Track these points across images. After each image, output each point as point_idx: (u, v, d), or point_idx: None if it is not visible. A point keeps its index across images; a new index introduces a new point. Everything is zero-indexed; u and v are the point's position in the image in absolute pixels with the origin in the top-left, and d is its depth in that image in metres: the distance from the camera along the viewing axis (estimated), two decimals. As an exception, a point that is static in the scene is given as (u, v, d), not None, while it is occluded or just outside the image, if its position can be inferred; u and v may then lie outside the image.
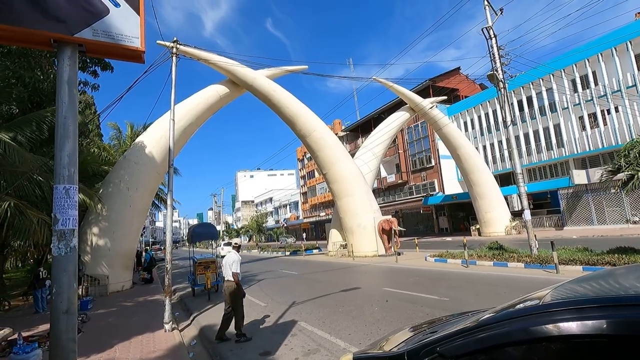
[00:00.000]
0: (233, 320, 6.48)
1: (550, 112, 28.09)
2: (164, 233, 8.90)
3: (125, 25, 2.79)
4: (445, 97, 31.01)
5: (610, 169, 9.24)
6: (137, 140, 16.80)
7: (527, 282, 8.79)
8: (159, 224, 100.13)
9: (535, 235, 12.16)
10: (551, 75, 27.00)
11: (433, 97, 30.76)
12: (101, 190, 15.14)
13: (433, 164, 37.00)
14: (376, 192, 39.83)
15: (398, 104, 32.55)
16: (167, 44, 10.21)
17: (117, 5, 2.80)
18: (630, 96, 23.17)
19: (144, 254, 20.54)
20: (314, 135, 19.99)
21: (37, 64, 10.19)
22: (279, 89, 19.86)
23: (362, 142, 31.47)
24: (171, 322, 7.46)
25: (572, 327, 1.33)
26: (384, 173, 42.88)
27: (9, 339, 6.86)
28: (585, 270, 9.38)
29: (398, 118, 26.76)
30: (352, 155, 25.77)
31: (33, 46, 2.76)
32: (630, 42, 23.24)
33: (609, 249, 10.45)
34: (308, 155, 56.22)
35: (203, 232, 13.37)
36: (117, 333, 7.34)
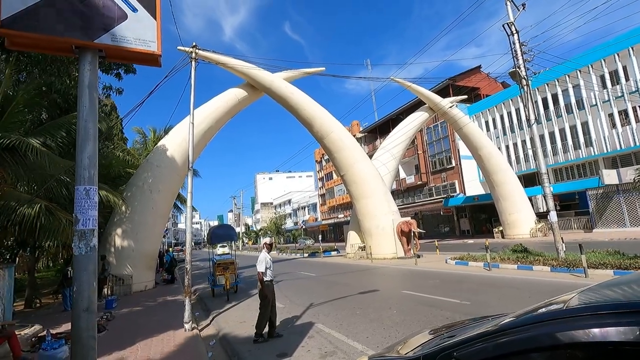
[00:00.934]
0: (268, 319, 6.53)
1: (577, 110, 26.99)
2: (185, 234, 9.10)
3: (143, 29, 2.87)
4: (465, 96, 30.36)
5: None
6: (159, 144, 17.27)
7: (552, 286, 8.44)
8: (181, 225, 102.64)
9: (562, 238, 11.67)
10: (578, 72, 25.95)
11: (453, 96, 30.14)
12: (125, 193, 15.63)
13: (453, 164, 36.24)
14: (395, 193, 39.39)
15: (417, 104, 32.10)
16: (187, 49, 10.45)
17: (134, 10, 2.88)
18: (664, 91, 21.96)
19: (165, 255, 21.04)
20: (331, 137, 19.96)
21: (65, 71, 10.62)
22: (296, 91, 19.97)
23: (381, 143, 31.19)
24: (191, 322, 7.58)
25: (599, 333, 1.25)
26: (402, 174, 42.36)
27: (39, 335, 7.15)
28: (616, 275, 8.92)
29: (417, 118, 26.38)
30: (371, 156, 25.59)
31: (55, 52, 2.88)
32: (664, 35, 22.05)
33: (642, 252, 9.92)
34: (326, 157, 56.24)
35: (223, 234, 13.56)
36: (140, 331, 7.53)
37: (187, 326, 7.49)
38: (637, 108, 23.66)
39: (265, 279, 6.54)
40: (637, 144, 23.49)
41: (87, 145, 2.60)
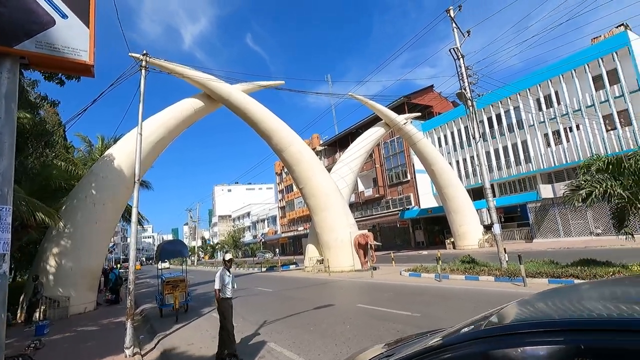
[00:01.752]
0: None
1: (517, 129, 29.39)
2: (129, 251, 8.52)
3: (73, 37, 2.68)
4: (419, 114, 31.96)
5: (571, 188, 9.69)
6: (106, 153, 16.22)
7: (495, 296, 8.93)
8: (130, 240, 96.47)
9: (505, 249, 12.46)
10: (518, 95, 28.38)
11: (408, 113, 31.60)
12: (64, 207, 14.40)
13: (409, 178, 37.68)
14: (354, 206, 40.06)
15: (375, 120, 33.17)
16: (138, 56, 10.01)
17: (64, 16, 2.69)
18: (589, 115, 24.60)
19: (110, 272, 19.54)
20: (290, 150, 19.97)
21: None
22: (255, 103, 19.83)
23: (340, 157, 31.72)
24: (133, 347, 7.05)
25: (530, 352, 1.29)
26: (361, 187, 43.27)
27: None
28: (550, 283, 9.65)
29: (374, 133, 27.22)
30: (330, 169, 25.91)
31: (-32, 57, 2.59)
32: (588, 65, 24.85)
33: (573, 261, 10.84)
34: (286, 169, 56.06)
35: (173, 250, 12.89)
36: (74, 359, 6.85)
37: (127, 352, 6.94)
38: (568, 129, 26.26)
39: (222, 296, 6.28)
40: (569, 161, 25.97)
41: (2, 160, 2.35)
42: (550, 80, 26.98)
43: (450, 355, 1.52)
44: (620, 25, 24.76)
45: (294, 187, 54.37)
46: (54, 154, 19.05)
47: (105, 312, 13.79)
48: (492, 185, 12.82)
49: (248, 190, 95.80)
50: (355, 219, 22.22)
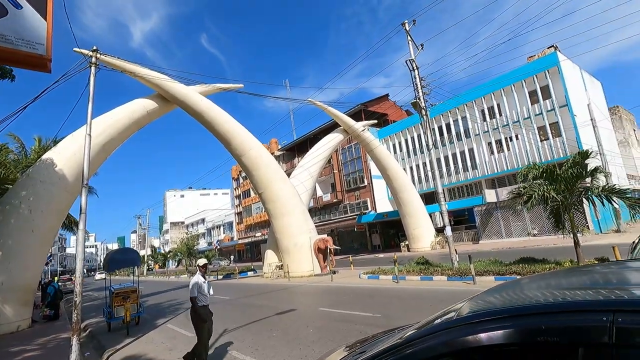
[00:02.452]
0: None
1: (465, 138, 31.49)
2: (76, 261, 7.85)
3: (28, 29, 2.49)
4: (375, 121, 33.06)
5: (513, 194, 10.64)
6: (45, 156, 14.85)
7: (449, 294, 9.47)
8: (70, 250, 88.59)
9: (455, 250, 13.26)
10: (465, 105, 30.45)
11: (365, 120, 32.56)
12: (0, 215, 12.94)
13: (366, 183, 38.70)
14: (312, 211, 40.23)
15: (333, 126, 33.74)
16: (86, 52, 9.35)
17: (18, 6, 2.49)
18: (526, 126, 27.07)
19: (48, 286, 17.78)
20: (249, 154, 19.67)
21: None
22: (213, 106, 19.32)
23: (299, 162, 31.79)
24: (79, 365, 6.50)
25: (486, 337, 1.44)
26: (319, 192, 43.65)
27: None
28: (497, 280, 10.44)
29: (333, 139, 27.68)
30: (289, 174, 25.83)
31: None
32: (525, 81, 27.37)
33: (514, 259, 11.82)
34: (244, 174, 55.01)
35: (123, 259, 12.05)
36: (7, 384, 6.16)
37: (73, 371, 6.40)
38: (508, 139, 28.64)
39: (199, 304, 6.00)
40: (509, 168, 28.29)
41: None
42: (493, 94, 29.30)
43: (424, 346, 1.64)
44: (551, 47, 27.61)
45: (252, 192, 53.48)
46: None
47: (42, 329, 12.54)
48: (442, 191, 13.68)
49: (202, 196, 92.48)
50: (314, 223, 22.35)
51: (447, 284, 11.31)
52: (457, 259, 13.02)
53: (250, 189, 53.27)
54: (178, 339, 8.43)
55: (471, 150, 31.10)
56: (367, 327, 6.99)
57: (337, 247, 20.70)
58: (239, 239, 58.63)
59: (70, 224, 23.51)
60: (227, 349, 6.93)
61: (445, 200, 14.05)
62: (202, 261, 6.60)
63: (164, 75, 17.40)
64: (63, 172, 14.01)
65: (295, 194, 20.76)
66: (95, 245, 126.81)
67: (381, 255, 28.82)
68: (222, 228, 67.26)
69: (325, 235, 20.50)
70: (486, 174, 29.89)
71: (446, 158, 32.92)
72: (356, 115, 35.76)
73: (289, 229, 19.63)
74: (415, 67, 13.22)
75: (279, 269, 20.85)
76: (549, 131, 26.22)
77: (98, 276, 14.10)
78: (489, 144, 29.89)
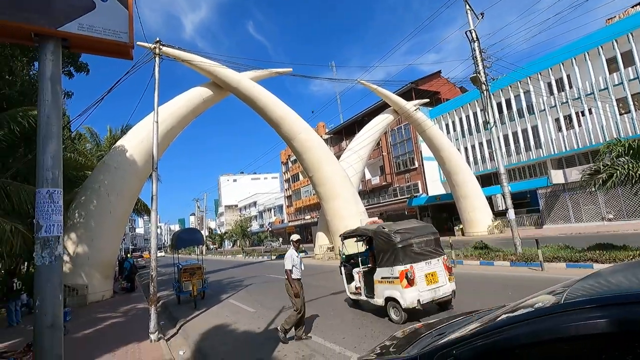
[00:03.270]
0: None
1: (528, 114, 28.95)
2: (145, 239, 8.60)
3: (113, 20, 2.65)
4: (427, 100, 31.52)
5: (589, 172, 9.56)
6: (117, 144, 16.26)
7: (514, 280, 8.94)
8: (139, 230, 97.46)
9: (518, 234, 12.41)
10: (528, 79, 27.85)
11: (416, 99, 31.20)
12: (80, 197, 14.55)
13: (416, 165, 37.48)
14: (361, 194, 39.95)
15: (381, 107, 32.87)
16: (149, 45, 9.93)
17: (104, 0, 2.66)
18: (602, 98, 24.13)
19: (125, 261, 19.82)
20: (299, 138, 19.88)
21: (5, 66, 9.71)
22: (264, 91, 19.68)
23: (346, 145, 31.61)
24: (157, 332, 7.18)
25: (600, 325, 1.29)
26: (368, 175, 43.15)
27: (-20, 355, 6.43)
28: (568, 268, 9.63)
29: (382, 120, 27.00)
30: (337, 157, 25.80)
31: (12, 40, 2.58)
32: (602, 47, 24.25)
33: (588, 245, 10.77)
34: (292, 158, 56.04)
35: (188, 238, 13.00)
36: (100, 345, 7.01)
37: (153, 337, 7.08)
38: (580, 113, 25.82)
39: (292, 276, 6.25)
40: (581, 146, 25.61)
41: (50, 143, 2.36)
42: (562, 64, 26.41)
43: (523, 331, 1.52)
44: (636, 5, 24.04)
45: (301, 176, 54.41)
46: (63, 146, 19.16)
47: (122, 299, 14.05)
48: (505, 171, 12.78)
49: (253, 180, 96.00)
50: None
51: (510, 270, 10.68)
52: (521, 244, 12.20)
53: (300, 173, 54.23)
54: (241, 314, 8.96)
55: (535, 128, 28.56)
56: (430, 310, 6.84)
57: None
58: (289, 221, 60.35)
59: (139, 208, 25.83)
60: (288, 324, 7.19)
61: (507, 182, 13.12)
62: (295, 236, 6.74)
63: (217, 63, 17.99)
64: (133, 158, 15.25)
65: (345, 176, 20.71)
66: (160, 226, 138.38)
67: (433, 239, 27.97)
68: (272, 211, 69.63)
69: (375, 218, 20.23)
70: (552, 153, 27.35)
71: (506, 137, 30.62)
72: (406, 95, 34.41)
73: (339, 212, 19.72)
74: (475, 38, 12.24)
75: (330, 251, 21.15)
76: (630, 103, 23.17)
77: (158, 254, 15.55)
78: (557, 120, 27.21)
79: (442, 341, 1.97)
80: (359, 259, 7.84)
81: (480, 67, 12.38)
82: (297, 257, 6.44)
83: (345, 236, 8.47)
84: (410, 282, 6.23)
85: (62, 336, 2.26)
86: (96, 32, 2.56)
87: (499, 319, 1.78)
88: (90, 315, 10.74)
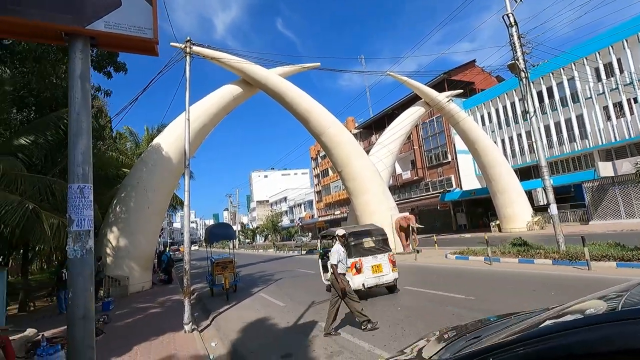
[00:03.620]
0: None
1: (572, 103, 27.05)
2: (181, 234, 8.88)
3: (138, 16, 2.67)
4: (461, 91, 30.28)
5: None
6: (153, 142, 16.97)
7: (556, 280, 8.38)
8: (176, 225, 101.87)
9: (561, 230, 11.63)
10: (573, 64, 25.92)
11: (448, 90, 30.08)
12: (120, 193, 15.34)
13: (449, 159, 36.26)
14: (391, 189, 39.26)
15: (412, 100, 32.02)
16: (180, 45, 10.19)
17: (129, -4, 2.68)
18: (659, 83, 22.05)
19: (162, 254, 20.76)
20: (328, 133, 19.78)
21: (52, 69, 10.33)
22: (292, 86, 19.74)
23: (376, 139, 31.10)
24: (191, 323, 7.41)
25: None
26: (398, 170, 42.31)
27: (33, 340, 6.93)
28: (619, 267, 8.90)
29: (413, 113, 26.31)
30: (367, 152, 25.45)
31: (44, 40, 2.67)
32: (659, 26, 22.11)
33: (643, 243, 9.89)
34: (322, 153, 56.08)
35: (220, 233, 13.35)
36: (138, 334, 7.34)
37: (187, 327, 7.32)
38: (632, 100, 23.76)
39: (338, 271, 6.24)
40: (632, 135, 23.60)
41: (80, 140, 2.41)
42: (612, 47, 24.37)
43: (577, 339, 1.34)
44: (699, -22, 21.63)
45: (330, 171, 54.38)
46: (106, 146, 20.34)
47: (160, 290, 14.71)
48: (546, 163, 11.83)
49: (284, 176, 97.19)
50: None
51: (552, 269, 10.03)
52: (564, 241, 11.43)
53: (329, 169, 54.21)
54: (271, 307, 9.06)
55: (580, 117, 26.63)
56: (461, 310, 6.57)
57: (420, 226, 19.89)
58: (319, 216, 60.63)
59: (175, 203, 26.97)
60: (316, 320, 7.19)
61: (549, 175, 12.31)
62: (341, 231, 6.72)
63: (246, 60, 18.23)
64: (168, 155, 15.84)
65: (375, 171, 20.39)
66: (195, 221, 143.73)
67: (468, 236, 27.01)
68: (302, 206, 70.24)
69: (407, 213, 19.88)
70: (600, 143, 25.39)
71: (547, 127, 28.80)
72: (438, 86, 33.26)
73: (369, 207, 19.47)
74: (513, 23, 11.50)
75: (360, 247, 20.97)
76: (692, 87, 20.99)
77: (193, 247, 16.17)
78: (605, 108, 25.21)
79: (478, 347, 1.81)
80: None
81: (519, 53, 11.64)
82: (343, 252, 6.41)
83: (322, 236, 10.63)
84: (358, 271, 8.21)
85: (93, 328, 2.31)
86: (122, 29, 2.59)
87: (543, 324, 1.60)
88: (130, 305, 11.32)
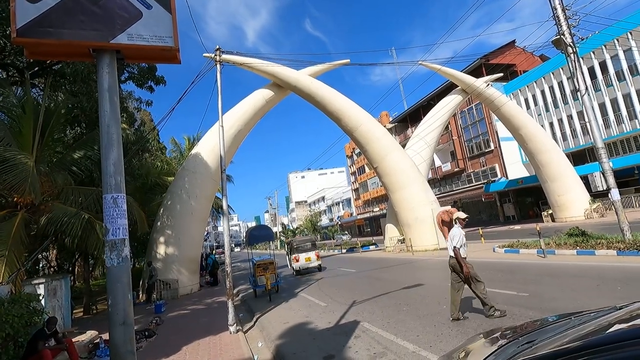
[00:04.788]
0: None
1: (630, 76, 24.52)
2: (224, 236, 9.12)
3: (159, 25, 2.71)
4: (500, 74, 28.53)
5: None
6: (193, 151, 17.69)
7: (623, 272, 7.57)
8: (221, 229, 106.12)
9: (626, 217, 10.53)
10: (629, 34, 23.52)
11: (487, 75, 28.48)
12: (166, 201, 16.15)
13: (492, 147, 34.39)
14: (431, 182, 38.09)
15: (448, 89, 30.75)
16: (211, 55, 10.48)
17: (149, 7, 2.73)
18: None
19: (207, 258, 21.63)
20: (361, 129, 19.49)
21: (97, 87, 11.10)
22: (322, 85, 19.68)
23: (412, 132, 30.19)
24: (235, 324, 7.58)
25: None
26: (437, 162, 40.87)
27: (94, 341, 7.45)
28: (700, 256, 7.87)
29: (450, 102, 25.20)
30: (403, 146, 24.80)
31: (75, 58, 2.81)
32: None
33: None
34: (357, 151, 55.60)
35: (259, 235, 13.60)
36: (187, 335, 7.64)
37: (231, 328, 7.49)
38: None
39: (449, 254, 6.21)
40: None
41: (112, 151, 2.49)
42: (676, 10, 21.77)
43: None
44: None
45: (366, 168, 53.76)
46: (152, 156, 21.56)
47: (207, 293, 15.29)
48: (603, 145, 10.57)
49: (320, 175, 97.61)
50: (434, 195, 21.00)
51: (617, 260, 9.10)
52: (629, 229, 10.32)
53: (365, 165, 53.60)
54: (313, 308, 9.05)
55: (640, 92, 24.08)
56: (513, 308, 6.13)
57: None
58: (357, 214, 60.18)
59: (218, 208, 28.07)
60: (358, 320, 7.05)
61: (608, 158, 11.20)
62: (462, 214, 6.59)
63: (275, 64, 18.46)
64: (207, 163, 16.43)
65: (412, 165, 19.79)
66: (238, 224, 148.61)
67: (517, 227, 25.41)
68: (340, 205, 70.09)
69: (448, 207, 19.11)
70: (667, 119, 22.80)
71: (602, 106, 26.38)
72: (475, 72, 31.64)
73: (408, 202, 18.94)
74: (555, -6, 10.59)
75: (401, 243, 20.48)
76: None
77: (236, 249, 17.56)
78: (671, 78, 22.57)
79: (531, 354, 1.60)
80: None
81: (564, 27, 10.68)
82: (464, 235, 6.24)
83: (288, 242, 14.72)
84: (296, 260, 15.87)
85: (133, 333, 2.37)
86: (144, 40, 2.64)
87: (612, 328, 1.37)
88: (180, 307, 11.86)
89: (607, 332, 1.36)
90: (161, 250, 15.28)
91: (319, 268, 16.56)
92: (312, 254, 16.27)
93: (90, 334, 7.96)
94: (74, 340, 6.61)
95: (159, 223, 15.73)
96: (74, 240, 8.81)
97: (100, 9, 2.61)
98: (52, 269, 16.55)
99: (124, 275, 2.40)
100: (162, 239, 15.41)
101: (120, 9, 2.65)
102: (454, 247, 6.09)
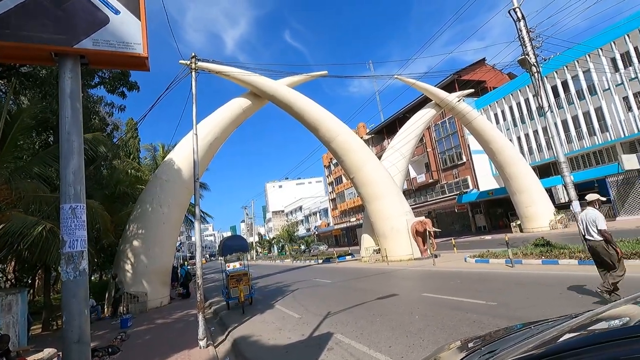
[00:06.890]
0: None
1: (589, 95, 26.18)
2: (195, 247, 8.88)
3: (127, 32, 2.65)
4: (472, 90, 29.71)
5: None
6: (166, 158, 17.25)
7: (584, 281, 7.94)
8: (194, 238, 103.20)
9: (587, 228, 11.08)
10: (587, 56, 25.21)
11: (459, 90, 29.63)
12: (136, 210, 15.58)
13: (464, 160, 35.58)
14: (406, 193, 38.81)
15: (423, 102, 31.67)
16: (187, 62, 10.34)
17: (116, 12, 2.66)
18: (681, 69, 21.12)
19: (179, 269, 20.94)
20: (338, 140, 19.69)
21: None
22: (300, 96, 19.80)
23: (389, 144, 30.77)
24: (205, 339, 7.33)
25: None
26: (413, 173, 41.79)
27: (52, 360, 6.98)
28: (652, 264, 8.38)
29: (424, 115, 25.96)
30: (379, 157, 25.19)
31: (36, 62, 2.69)
32: (676, 11, 21.28)
33: (677, 238, 9.32)
34: (334, 161, 55.97)
35: (234, 245, 13.32)
36: (153, 351, 7.31)
37: (201, 343, 7.24)
38: (653, 89, 22.82)
39: (592, 237, 5.93)
40: (656, 125, 22.60)
41: (71, 159, 2.38)
42: (628, 35, 23.56)
43: (611, 356, 1.16)
44: None
45: (344, 178, 54.14)
46: (123, 163, 20.81)
47: (178, 305, 14.75)
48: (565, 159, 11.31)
49: (298, 185, 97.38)
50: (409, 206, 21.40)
51: (578, 269, 9.56)
52: (590, 240, 10.87)
53: (342, 176, 53.99)
54: (287, 320, 8.91)
55: (599, 110, 25.73)
56: (482, 317, 6.27)
57: (437, 230, 19.43)
58: (334, 224, 60.28)
59: (192, 216, 27.35)
60: (332, 331, 6.99)
61: (569, 171, 11.83)
62: (595, 196, 6.28)
63: (253, 73, 18.43)
64: (181, 170, 16.04)
65: (388, 176, 20.12)
66: (214, 234, 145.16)
67: (488, 237, 26.23)
68: (318, 215, 70.02)
69: (423, 218, 19.48)
70: (622, 135, 24.40)
71: (564, 122, 27.95)
72: (448, 87, 32.87)
73: (383, 212, 19.18)
74: (520, 17, 11.22)
75: (377, 253, 20.63)
76: None
77: (212, 260, 16.69)
78: (625, 98, 24.28)
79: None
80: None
81: (529, 47, 11.32)
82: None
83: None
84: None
85: (89, 352, 2.25)
86: (111, 46, 2.57)
87: (564, 337, 1.43)
88: (148, 322, 11.36)
89: (558, 341, 1.41)
90: (130, 261, 14.65)
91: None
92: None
93: (48, 351, 7.45)
94: (29, 359, 6.18)
95: (127, 233, 15.12)
96: (35, 252, 8.31)
97: (64, 12, 2.53)
98: (8, 282, 15.50)
99: (81, 290, 2.28)
100: (131, 250, 14.79)
101: (86, 14, 2.58)
102: (603, 230, 5.78)
